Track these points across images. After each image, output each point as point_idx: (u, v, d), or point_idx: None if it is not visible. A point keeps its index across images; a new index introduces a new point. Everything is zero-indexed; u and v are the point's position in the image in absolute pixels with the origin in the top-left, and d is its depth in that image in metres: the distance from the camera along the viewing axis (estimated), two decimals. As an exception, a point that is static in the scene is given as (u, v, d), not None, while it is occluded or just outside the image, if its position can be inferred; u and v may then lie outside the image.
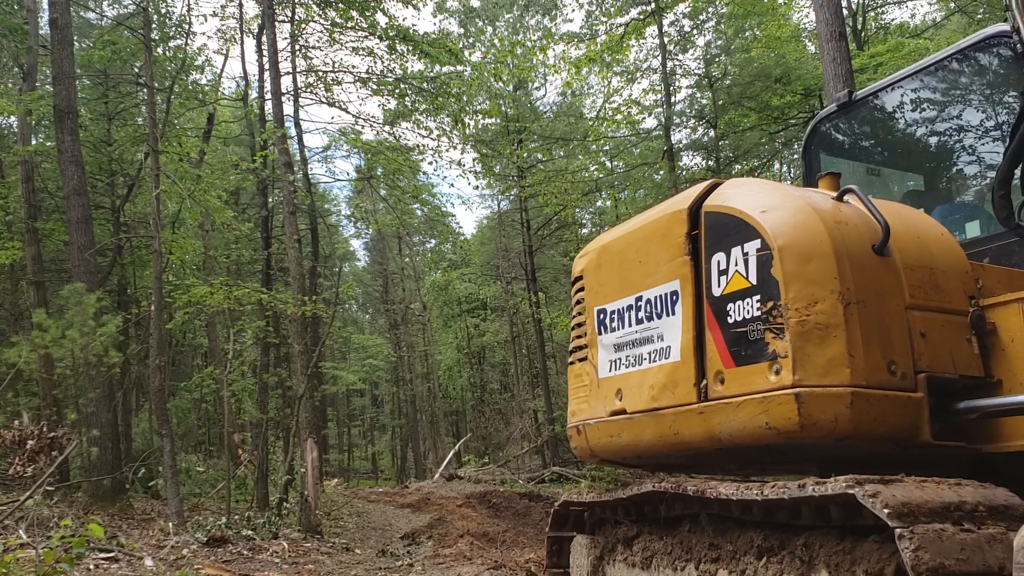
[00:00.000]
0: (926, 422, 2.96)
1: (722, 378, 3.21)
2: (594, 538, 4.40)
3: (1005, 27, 3.94)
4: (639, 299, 3.70)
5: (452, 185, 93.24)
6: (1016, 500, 2.24)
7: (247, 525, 11.57)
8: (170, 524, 11.08)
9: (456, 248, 39.99)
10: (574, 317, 4.20)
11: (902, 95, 4.78)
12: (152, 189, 13.79)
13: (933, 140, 4.91)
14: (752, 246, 3.16)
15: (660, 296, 3.58)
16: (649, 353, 3.61)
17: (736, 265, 3.23)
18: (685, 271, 3.44)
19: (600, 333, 3.93)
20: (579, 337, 4.14)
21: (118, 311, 17.26)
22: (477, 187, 41.00)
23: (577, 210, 28.21)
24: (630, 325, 3.74)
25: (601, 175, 24.77)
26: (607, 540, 4.23)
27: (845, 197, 3.27)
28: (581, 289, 4.12)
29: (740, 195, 3.35)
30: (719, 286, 3.28)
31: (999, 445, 3.07)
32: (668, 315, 3.52)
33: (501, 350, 37.04)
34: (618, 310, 3.84)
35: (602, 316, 3.93)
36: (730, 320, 3.21)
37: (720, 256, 3.30)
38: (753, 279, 3.14)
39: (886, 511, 2.09)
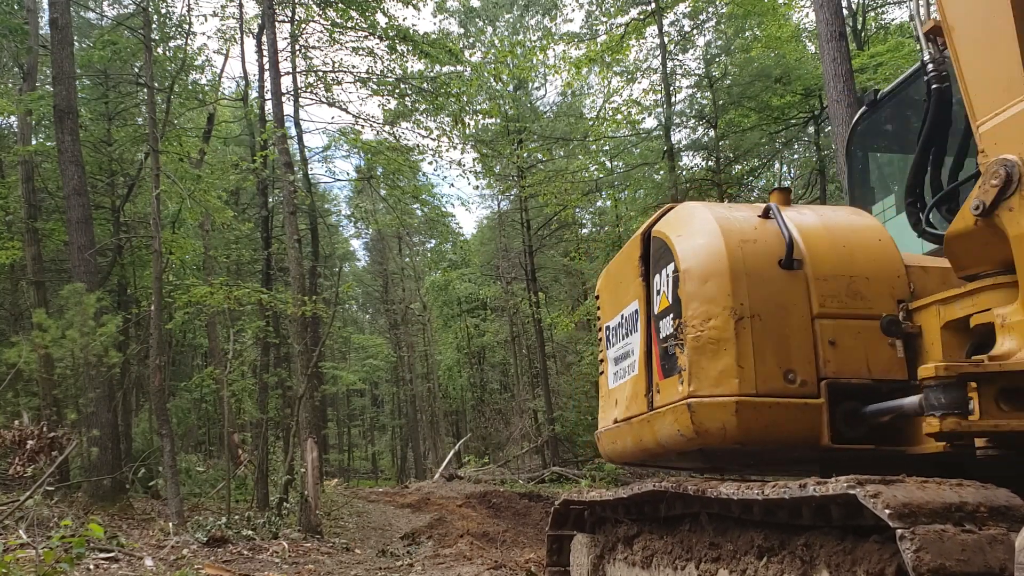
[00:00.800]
0: (826, 426, 3.10)
1: (658, 389, 3.52)
2: (594, 537, 4.41)
3: None
4: (622, 316, 4.07)
5: (452, 185, 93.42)
6: (1018, 501, 2.24)
7: (247, 525, 11.57)
8: (170, 524, 11.08)
9: (456, 248, 39.99)
10: (598, 332, 4.60)
11: (918, 90, 4.91)
12: (152, 189, 13.79)
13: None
14: (670, 268, 3.50)
15: (630, 314, 3.97)
16: (627, 367, 3.97)
17: (663, 286, 3.57)
18: (640, 291, 3.81)
19: (608, 348, 4.31)
20: (600, 352, 4.53)
21: (118, 311, 17.26)
22: (477, 187, 41.05)
23: (577, 210, 28.23)
24: (619, 341, 4.11)
25: (601, 175, 24.77)
26: (607, 539, 4.24)
27: (769, 214, 3.48)
28: (598, 307, 4.52)
29: (672, 220, 3.67)
30: (656, 305, 3.63)
31: (916, 447, 3.16)
32: (634, 332, 3.89)
33: (501, 350, 37.04)
34: (614, 327, 4.21)
35: (608, 332, 4.31)
36: (660, 336, 3.56)
37: (657, 278, 3.66)
38: (670, 299, 3.47)
39: (887, 511, 2.08)
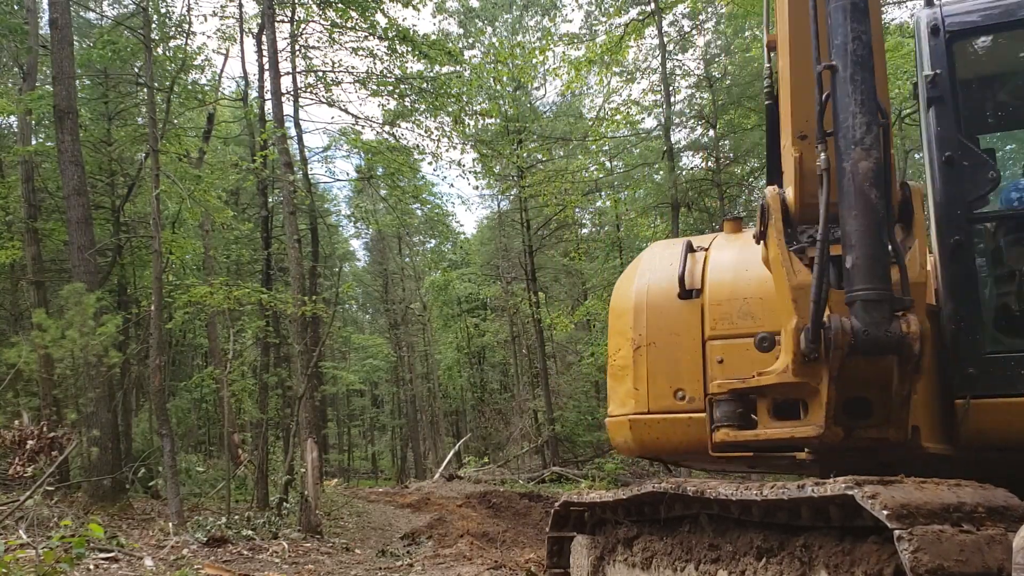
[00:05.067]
0: (709, 438, 3.40)
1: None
2: (594, 538, 4.42)
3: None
4: None
5: (452, 185, 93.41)
6: (1015, 501, 2.24)
7: (247, 525, 11.57)
8: (170, 524, 11.08)
9: (456, 248, 39.96)
10: None
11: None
12: (152, 189, 13.78)
13: None
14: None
15: None
16: None
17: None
18: None
19: None
20: None
21: (118, 311, 17.26)
22: (477, 187, 41.06)
23: (577, 210, 28.21)
24: None
25: (601, 175, 24.77)
26: (607, 540, 4.24)
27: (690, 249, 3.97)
28: None
29: (629, 265, 4.28)
30: None
31: (800, 455, 3.40)
32: None
33: (501, 350, 37.02)
34: None
35: None
36: None
37: None
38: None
39: (885, 512, 2.09)
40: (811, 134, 3.07)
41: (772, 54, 3.59)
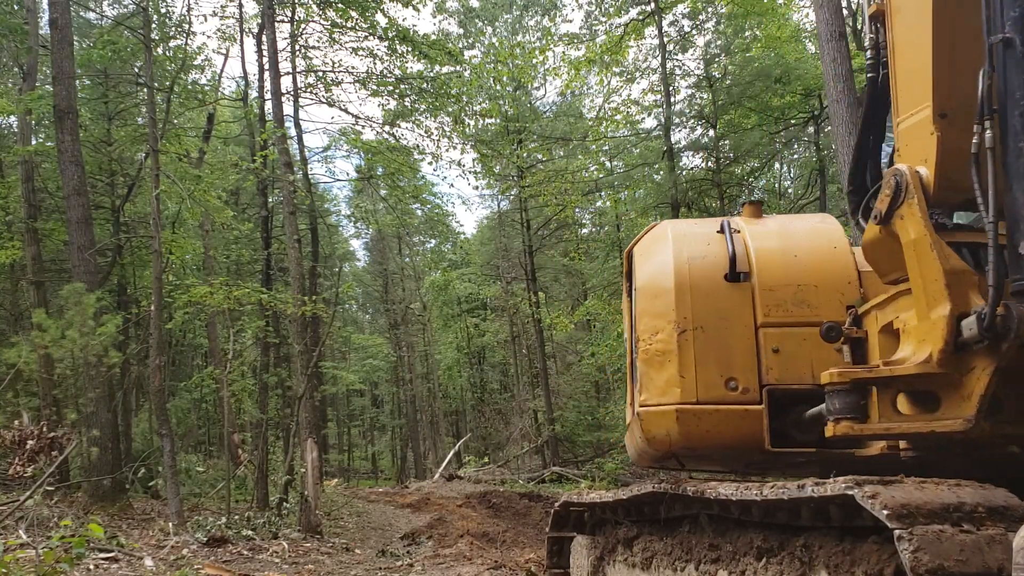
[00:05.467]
0: (766, 431, 3.23)
1: (632, 399, 3.75)
2: (594, 538, 4.42)
3: None
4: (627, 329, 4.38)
5: (452, 185, 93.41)
6: (1015, 501, 2.24)
7: (247, 525, 11.56)
8: (170, 524, 11.08)
9: (456, 248, 39.95)
10: None
11: None
12: (152, 189, 13.78)
13: None
14: (633, 286, 3.75)
15: (626, 327, 4.22)
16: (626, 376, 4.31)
17: (634, 303, 3.79)
18: (626, 305, 4.08)
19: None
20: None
21: (118, 311, 17.26)
22: (477, 187, 41.05)
23: (577, 210, 28.22)
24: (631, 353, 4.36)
25: (601, 175, 24.76)
26: (607, 541, 4.24)
27: (722, 229, 3.69)
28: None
29: (644, 240, 3.92)
30: (630, 320, 3.87)
31: (861, 451, 3.23)
32: (629, 344, 4.13)
33: (501, 350, 37.02)
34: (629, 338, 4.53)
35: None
36: (635, 349, 3.76)
37: (632, 295, 3.88)
38: (634, 315, 3.70)
39: (885, 512, 2.09)
40: (954, 112, 2.90)
41: (878, 26, 3.39)
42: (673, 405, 3.31)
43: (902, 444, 2.97)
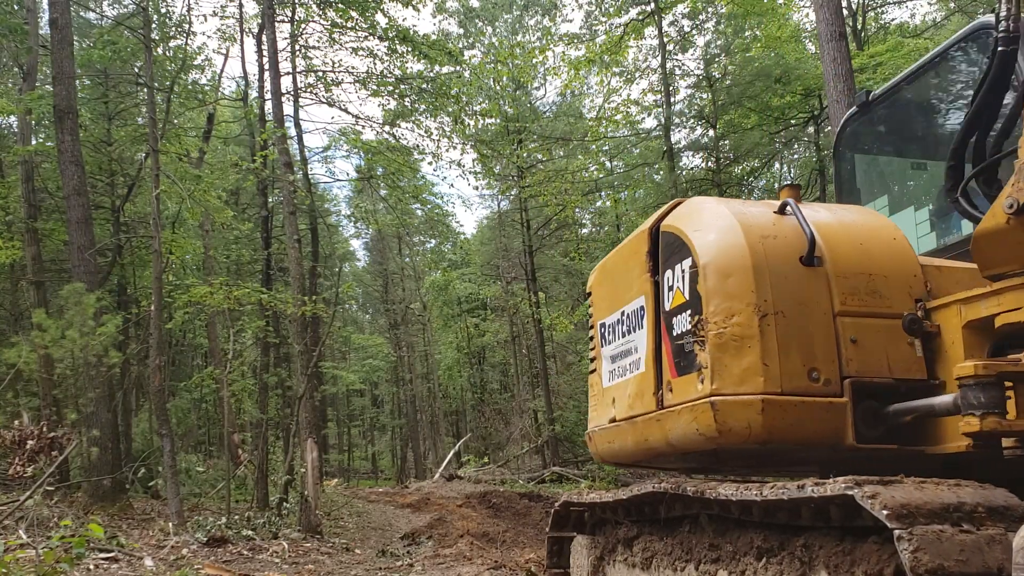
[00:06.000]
0: (850, 426, 3.04)
1: (671, 387, 3.44)
2: (594, 538, 4.41)
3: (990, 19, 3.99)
4: (623, 313, 3.98)
5: (452, 185, 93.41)
6: (1016, 501, 2.24)
7: (247, 525, 11.57)
8: (170, 524, 11.08)
9: (456, 248, 39.97)
10: (589, 330, 4.49)
11: (919, 89, 4.83)
12: (152, 189, 13.78)
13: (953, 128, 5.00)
14: (687, 264, 3.39)
15: (634, 311, 3.87)
16: (629, 364, 3.88)
17: (678, 282, 3.46)
18: (647, 287, 3.72)
19: (603, 345, 4.22)
20: (591, 349, 4.43)
21: (118, 311, 17.26)
22: (477, 187, 41.07)
23: (577, 210, 28.24)
24: (619, 338, 4.02)
25: (601, 175, 24.78)
26: (607, 540, 4.24)
27: (786, 210, 3.41)
28: (590, 304, 4.43)
29: (685, 215, 3.59)
30: (668, 301, 3.53)
31: (937, 447, 3.12)
32: (639, 329, 3.80)
33: (501, 350, 37.04)
34: (612, 324, 4.12)
35: (603, 330, 4.23)
36: (674, 333, 3.45)
37: (668, 273, 3.55)
38: (687, 295, 3.37)
39: (885, 512, 2.09)
40: None
41: None
42: (758, 395, 3.03)
43: (1006, 442, 2.79)
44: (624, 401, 3.86)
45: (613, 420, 3.98)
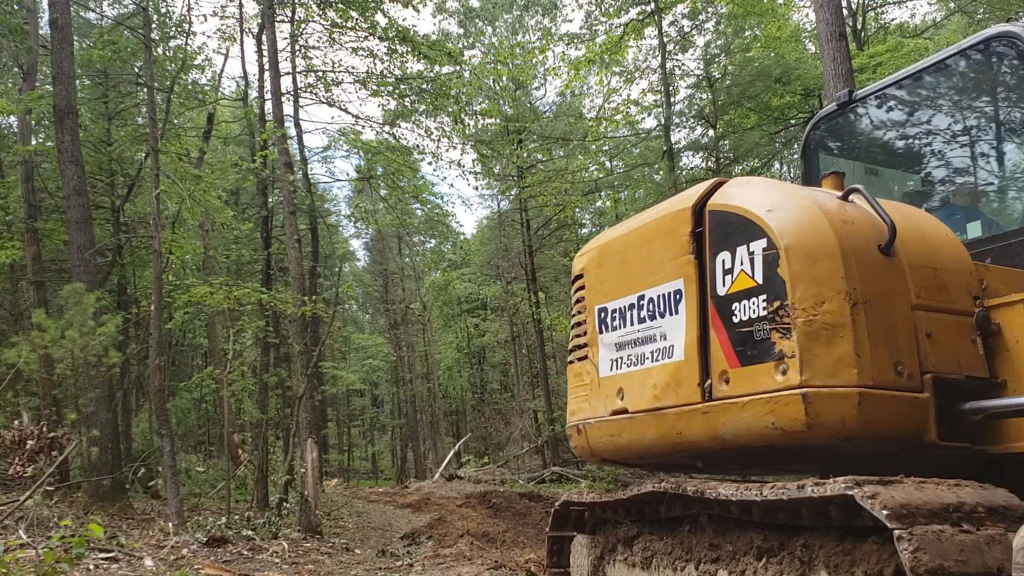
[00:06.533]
0: (932, 422, 2.94)
1: (727, 378, 3.19)
2: (594, 538, 4.41)
3: (1007, 27, 3.95)
4: (641, 298, 3.69)
5: (452, 185, 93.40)
6: (1015, 501, 2.24)
7: (247, 525, 11.57)
8: (170, 524, 11.08)
9: (456, 248, 39.98)
10: (574, 316, 4.18)
11: (903, 95, 4.78)
12: (152, 189, 13.78)
13: (933, 141, 4.92)
14: (758, 245, 3.14)
15: (663, 295, 3.57)
16: (651, 352, 3.59)
17: (742, 264, 3.20)
18: (689, 270, 3.43)
19: (601, 332, 3.92)
20: (579, 336, 4.12)
21: (118, 311, 17.26)
22: (477, 188, 41.06)
23: (577, 210, 28.25)
24: (631, 324, 3.73)
25: (601, 175, 24.78)
26: (607, 540, 4.23)
27: (851, 197, 3.26)
28: (582, 287, 4.11)
29: (745, 194, 3.33)
30: (724, 285, 3.26)
31: (1004, 446, 3.06)
32: (671, 314, 3.51)
33: (501, 350, 37.04)
34: (619, 308, 3.82)
35: (603, 315, 3.92)
36: (735, 319, 3.18)
37: (725, 255, 3.28)
38: (759, 278, 3.12)
39: (885, 512, 2.09)
40: None
41: None
42: (854, 388, 2.86)
43: None
44: (644, 392, 3.60)
45: (619, 412, 3.75)
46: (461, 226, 51.94)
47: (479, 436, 35.21)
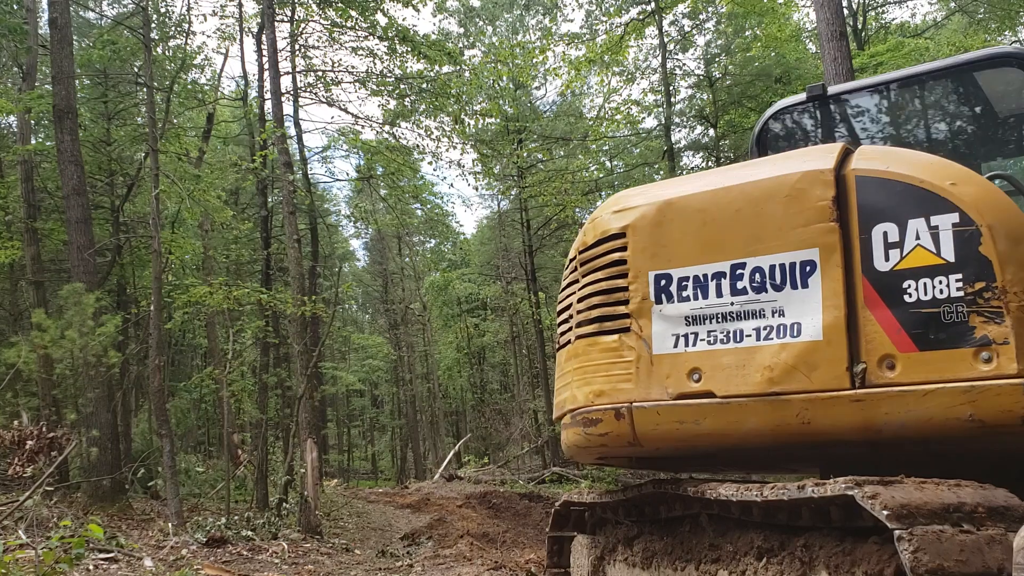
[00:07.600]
0: None
1: (891, 363, 2.92)
2: (595, 538, 4.40)
3: (1007, 49, 3.93)
4: (739, 266, 3.24)
5: (452, 185, 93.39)
6: (1016, 501, 2.24)
7: (247, 525, 11.56)
8: (170, 524, 11.08)
9: (456, 248, 39.98)
10: (596, 283, 3.60)
11: (882, 99, 4.70)
12: (152, 189, 13.79)
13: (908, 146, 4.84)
14: (945, 219, 2.91)
15: (780, 265, 3.16)
16: (758, 329, 3.17)
17: (918, 239, 2.95)
18: (830, 239, 3.08)
19: (660, 302, 3.37)
20: (614, 305, 3.51)
21: (118, 311, 17.26)
22: (477, 188, 41.05)
23: (577, 210, 28.24)
24: (720, 295, 3.27)
25: (601, 175, 24.79)
26: (608, 540, 4.23)
27: (995, 182, 3.16)
28: (622, 248, 3.49)
29: (907, 162, 3.10)
30: (887, 260, 2.99)
31: None
32: (796, 287, 3.12)
33: (501, 350, 37.04)
34: (697, 277, 3.33)
35: (664, 282, 3.37)
36: (908, 299, 2.93)
37: (888, 227, 3.01)
38: (949, 256, 2.89)
39: (885, 512, 2.09)
40: None
41: None
42: None
43: None
44: (747, 374, 3.17)
45: (693, 396, 3.28)
46: (461, 226, 51.97)
47: (479, 436, 35.22)
